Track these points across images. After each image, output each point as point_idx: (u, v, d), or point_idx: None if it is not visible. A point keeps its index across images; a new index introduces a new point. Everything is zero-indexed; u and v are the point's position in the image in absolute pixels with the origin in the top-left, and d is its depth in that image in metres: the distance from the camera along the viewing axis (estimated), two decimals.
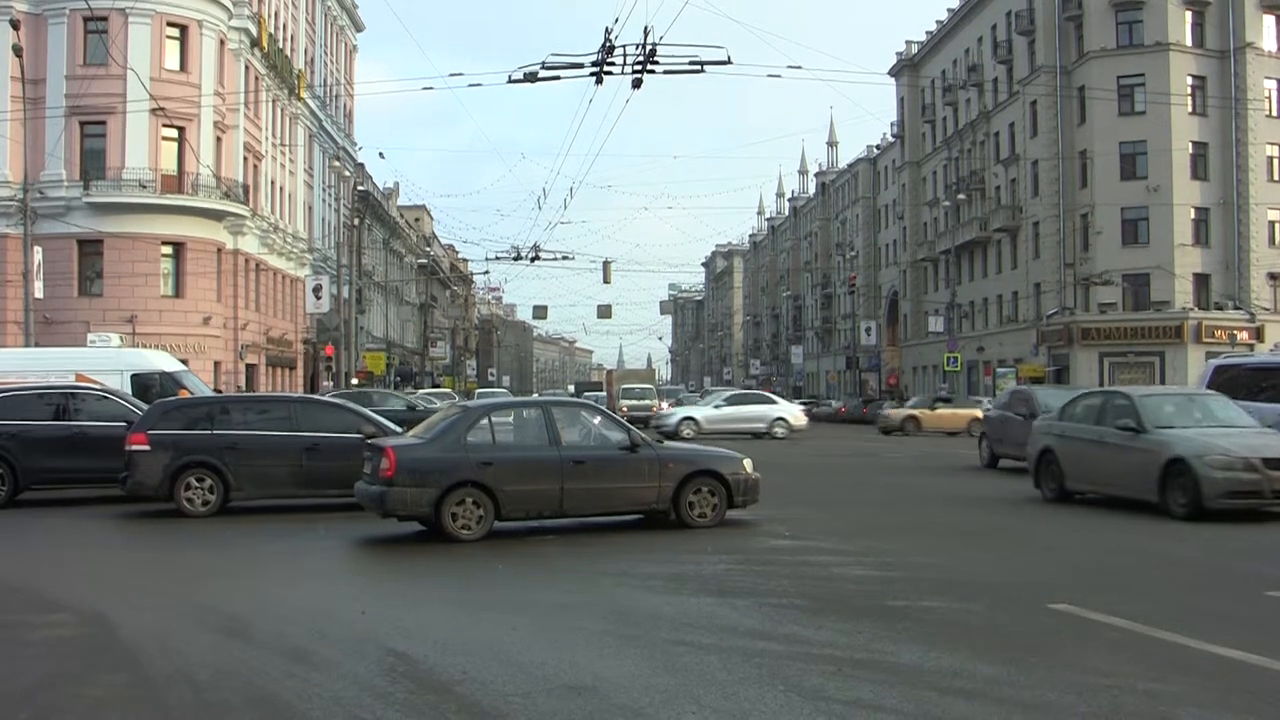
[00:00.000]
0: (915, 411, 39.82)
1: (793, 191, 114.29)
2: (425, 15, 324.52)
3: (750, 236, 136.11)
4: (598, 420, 12.30)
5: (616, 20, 54.25)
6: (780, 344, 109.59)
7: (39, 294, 29.40)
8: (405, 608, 7.98)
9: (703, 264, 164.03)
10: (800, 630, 7.01)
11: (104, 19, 35.85)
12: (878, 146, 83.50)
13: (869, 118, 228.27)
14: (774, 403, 37.28)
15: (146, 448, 13.63)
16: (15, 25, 29.79)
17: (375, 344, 60.92)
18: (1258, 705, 5.39)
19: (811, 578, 9.06)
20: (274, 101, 48.20)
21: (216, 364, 38.88)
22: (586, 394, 53.77)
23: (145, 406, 15.36)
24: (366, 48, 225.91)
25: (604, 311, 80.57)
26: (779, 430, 33.55)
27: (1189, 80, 47.86)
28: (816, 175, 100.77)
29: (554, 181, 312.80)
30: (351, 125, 67.48)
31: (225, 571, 9.88)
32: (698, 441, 25.76)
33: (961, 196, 60.76)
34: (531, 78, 20.62)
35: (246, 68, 43.37)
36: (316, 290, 44.82)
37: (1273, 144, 48.34)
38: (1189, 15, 48.25)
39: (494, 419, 11.73)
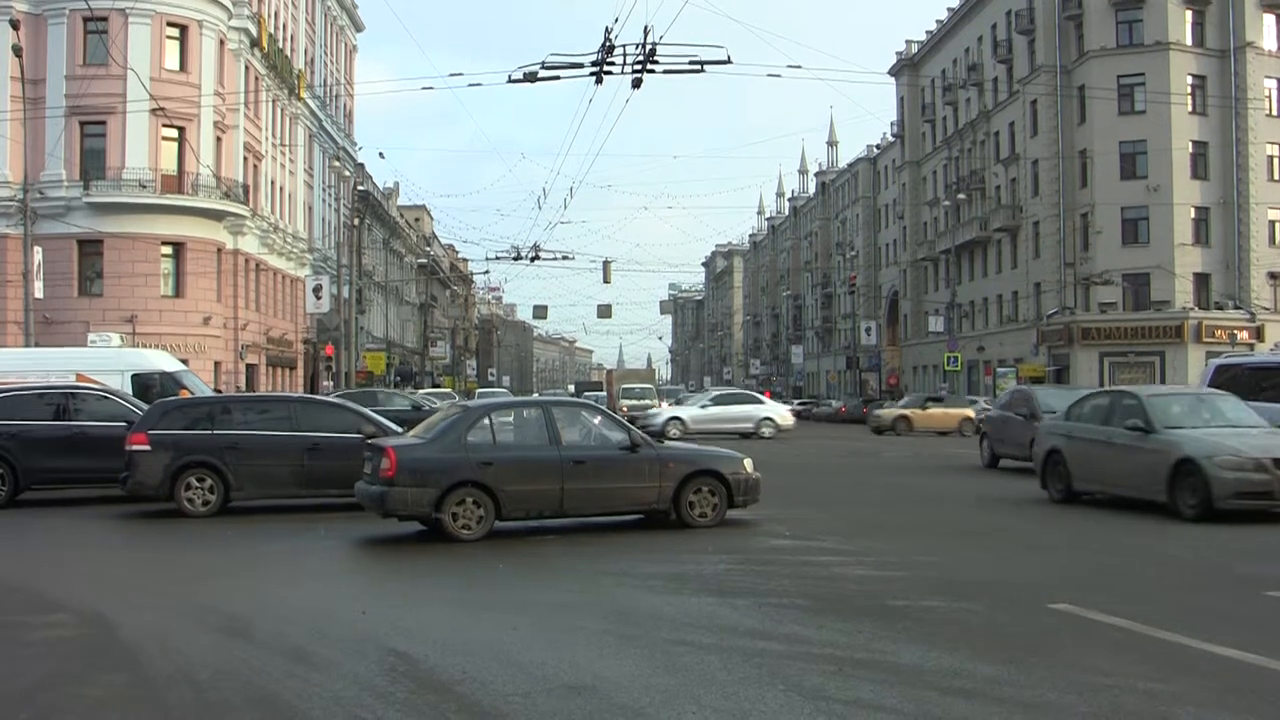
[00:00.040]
0: (906, 411, 39.79)
1: (793, 191, 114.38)
2: (425, 15, 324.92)
3: (750, 236, 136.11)
4: (598, 420, 12.30)
5: (616, 20, 54.35)
6: (780, 344, 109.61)
7: (39, 294, 29.41)
8: (406, 608, 7.98)
9: (703, 264, 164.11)
10: (801, 630, 7.01)
11: (104, 19, 35.86)
12: (878, 146, 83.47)
13: (869, 117, 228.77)
14: (761, 402, 37.69)
15: (147, 448, 13.63)
16: (15, 25, 29.84)
17: (375, 344, 60.92)
18: (1257, 705, 5.39)
19: (812, 577, 9.06)
20: (274, 101, 48.19)
21: (217, 364, 38.89)
22: (586, 394, 53.64)
23: (145, 406, 15.36)
24: (366, 48, 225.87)
25: (604, 311, 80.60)
26: (766, 430, 33.57)
27: (1189, 79, 47.85)
28: (816, 175, 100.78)
29: (554, 181, 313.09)
30: (351, 125, 67.48)
31: (225, 571, 9.88)
32: (684, 441, 25.67)
33: (961, 196, 60.75)
34: (531, 78, 20.62)
35: (246, 68, 43.37)
36: (316, 290, 44.81)
37: (1273, 143, 48.33)
38: (1189, 14, 48.24)
39: (494, 419, 11.72)
